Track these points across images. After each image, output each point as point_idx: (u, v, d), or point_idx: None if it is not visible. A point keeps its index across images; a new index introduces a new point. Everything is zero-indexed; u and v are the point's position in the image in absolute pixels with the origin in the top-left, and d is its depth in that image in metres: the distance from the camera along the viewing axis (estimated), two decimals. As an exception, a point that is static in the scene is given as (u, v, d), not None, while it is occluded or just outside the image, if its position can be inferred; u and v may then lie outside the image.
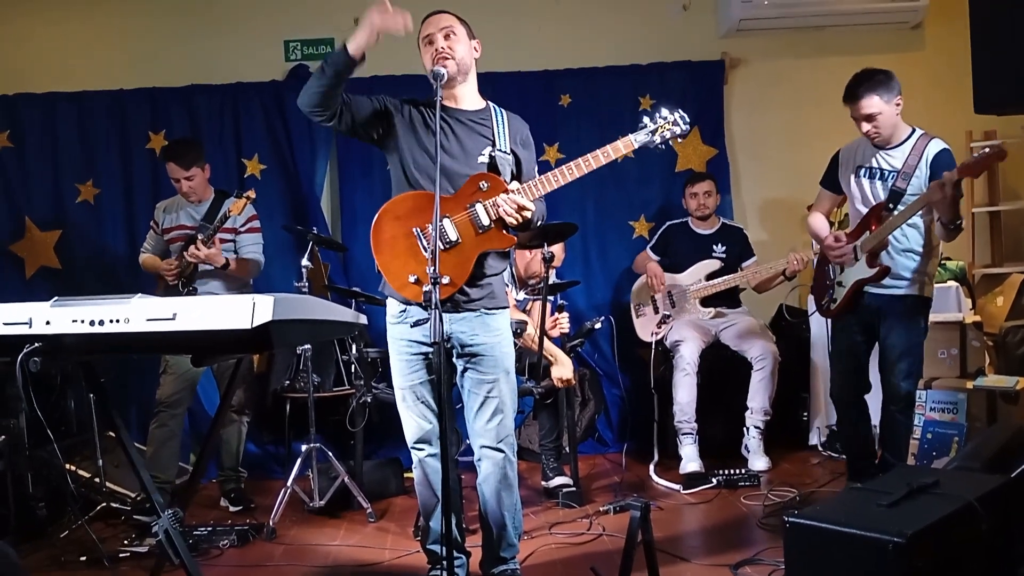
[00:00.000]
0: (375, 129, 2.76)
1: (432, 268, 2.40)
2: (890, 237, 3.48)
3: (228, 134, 5.11)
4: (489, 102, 2.85)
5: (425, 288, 2.42)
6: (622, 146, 2.73)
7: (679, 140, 2.80)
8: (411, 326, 2.69)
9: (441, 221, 2.62)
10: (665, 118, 2.76)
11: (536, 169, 2.87)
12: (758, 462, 4.35)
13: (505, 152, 2.75)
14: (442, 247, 2.62)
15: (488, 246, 2.71)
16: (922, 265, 3.49)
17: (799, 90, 5.27)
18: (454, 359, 2.77)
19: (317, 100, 2.60)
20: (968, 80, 3.11)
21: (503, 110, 2.84)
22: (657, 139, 2.76)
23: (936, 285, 3.71)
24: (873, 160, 3.55)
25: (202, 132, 5.04)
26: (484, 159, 2.73)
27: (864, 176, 3.57)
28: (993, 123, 4.92)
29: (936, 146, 3.43)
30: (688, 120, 2.79)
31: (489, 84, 5.01)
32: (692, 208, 4.82)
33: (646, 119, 2.77)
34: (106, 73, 5.08)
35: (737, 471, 4.19)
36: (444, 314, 2.64)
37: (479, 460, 2.81)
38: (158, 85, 5.06)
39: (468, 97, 2.80)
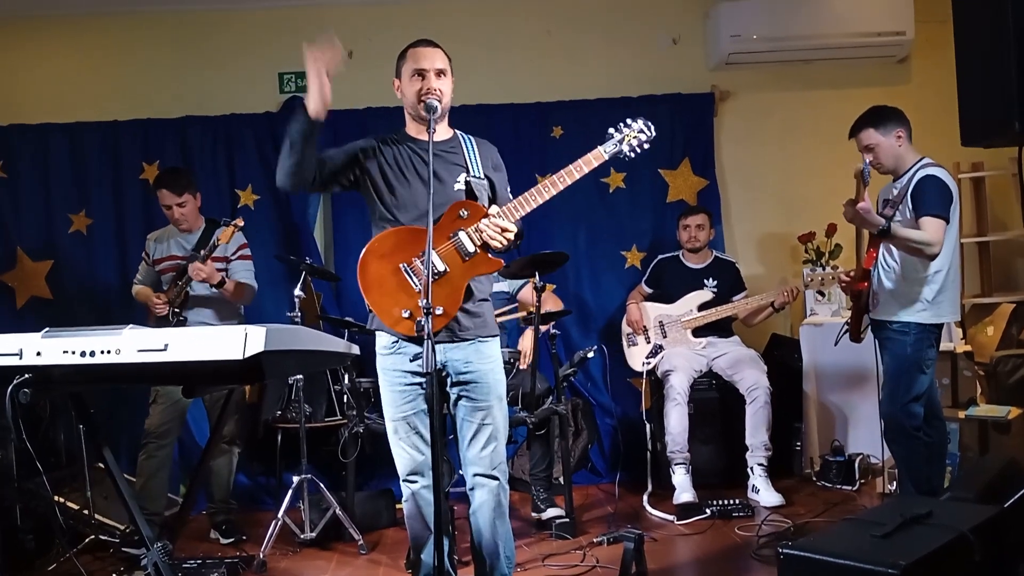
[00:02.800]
0: (348, 175, 2.77)
1: (425, 298, 2.41)
2: (880, 262, 3.60)
3: (222, 165, 5.13)
4: (456, 131, 2.87)
5: (405, 314, 2.44)
6: (593, 159, 2.76)
7: (646, 146, 2.85)
8: (410, 360, 2.69)
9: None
10: (630, 127, 2.83)
11: (509, 190, 2.90)
12: (770, 498, 4.27)
13: (479, 177, 2.78)
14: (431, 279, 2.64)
15: (476, 272, 2.73)
16: (905, 290, 3.52)
17: (788, 122, 5.34)
18: (448, 388, 2.77)
19: (294, 173, 2.65)
20: (954, 113, 3.15)
21: (470, 136, 2.87)
22: (625, 148, 2.82)
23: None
24: (888, 192, 3.68)
25: (196, 163, 5.06)
26: (460, 186, 2.76)
27: (881, 208, 3.65)
28: (980, 154, 4.98)
29: (920, 174, 3.51)
30: (652, 127, 2.85)
31: (483, 116, 5.10)
32: (683, 240, 4.85)
33: (612, 130, 2.83)
34: (100, 104, 5.11)
35: (731, 501, 4.17)
36: (439, 344, 2.66)
37: (472, 489, 2.79)
38: (152, 116, 5.09)
39: (440, 131, 2.82)
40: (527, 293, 4.65)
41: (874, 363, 3.75)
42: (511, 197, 2.80)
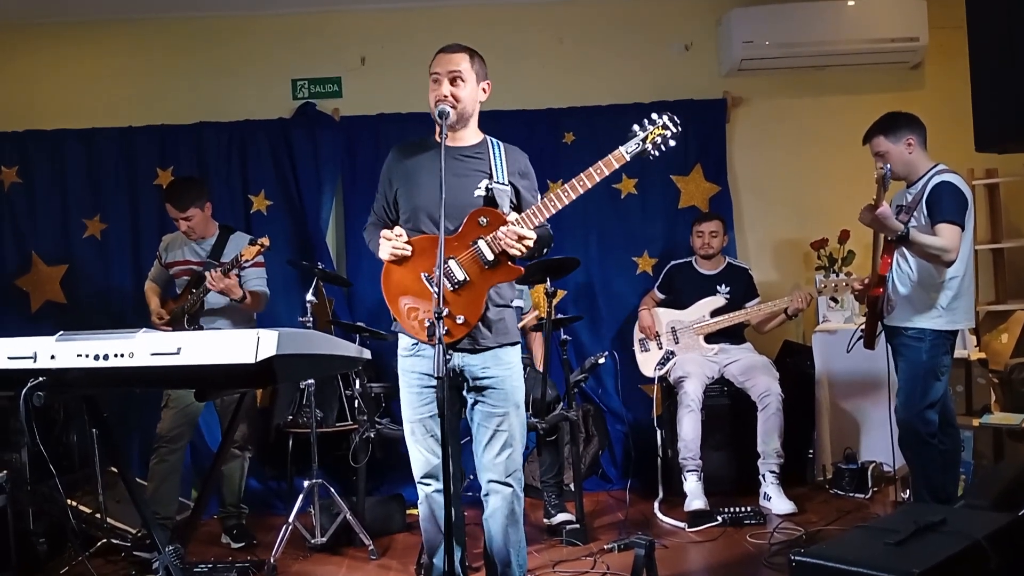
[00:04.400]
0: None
1: (437, 304, 2.42)
2: (894, 269, 3.59)
3: (235, 171, 5.16)
4: (487, 136, 2.86)
5: (427, 323, 2.45)
6: (614, 160, 2.64)
7: (672, 143, 2.67)
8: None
9: (447, 263, 2.64)
10: (655, 122, 2.68)
11: (538, 197, 2.86)
12: (782, 506, 4.25)
13: (503, 184, 2.74)
14: (451, 288, 2.65)
15: (496, 280, 2.71)
16: (921, 296, 3.51)
17: (801, 128, 5.32)
18: (464, 393, 2.77)
19: None
20: (968, 118, 3.14)
21: (501, 143, 2.85)
22: (649, 146, 2.67)
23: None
24: (902, 198, 3.66)
25: (209, 168, 5.08)
26: (481, 192, 2.73)
27: (896, 215, 3.63)
28: (994, 160, 4.95)
29: (935, 180, 3.50)
30: (678, 122, 2.68)
31: (494, 122, 5.03)
32: (697, 247, 4.84)
33: (635, 127, 2.68)
34: (115, 110, 5.15)
35: (743, 509, 4.15)
36: (459, 352, 2.69)
37: (486, 495, 2.80)
38: (166, 122, 5.12)
39: (466, 136, 2.82)
40: (528, 319, 4.67)
41: (887, 370, 3.74)
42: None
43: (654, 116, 2.69)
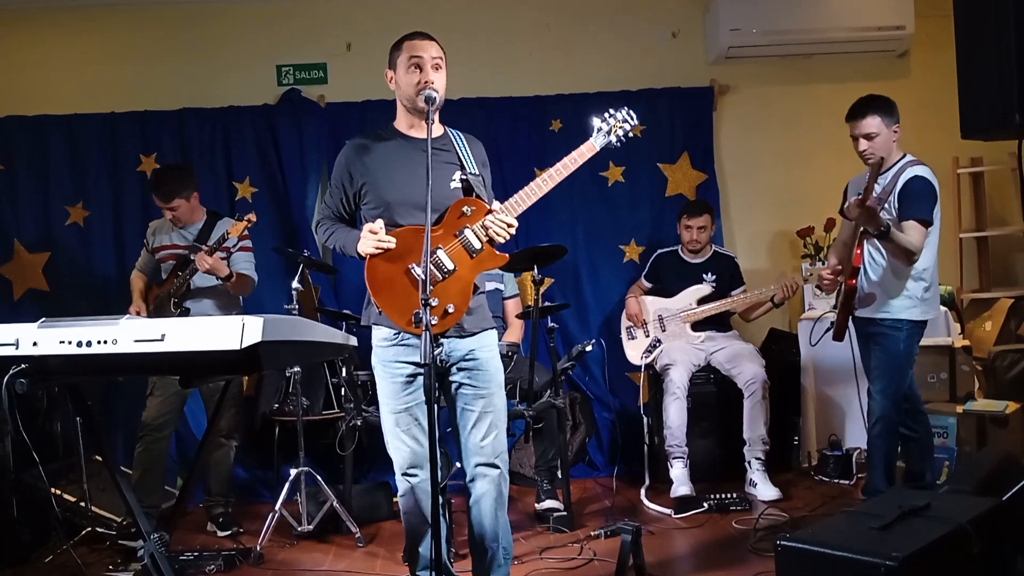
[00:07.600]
0: (357, 205, 2.86)
1: (423, 291, 2.41)
2: (866, 260, 3.61)
3: (219, 158, 5.11)
4: (446, 127, 2.86)
5: (416, 312, 2.44)
6: (586, 151, 2.82)
7: (631, 135, 2.91)
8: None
9: (435, 254, 2.65)
10: (614, 116, 2.88)
11: (491, 185, 2.91)
12: (768, 492, 4.27)
13: (476, 174, 2.79)
14: (440, 277, 2.66)
15: (483, 268, 2.75)
16: (898, 287, 3.54)
17: (787, 116, 5.33)
18: (449, 378, 2.77)
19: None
20: (954, 107, 3.14)
21: (460, 133, 2.87)
22: (613, 139, 2.87)
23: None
24: (861, 185, 3.63)
25: (193, 155, 5.04)
26: (456, 184, 2.76)
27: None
28: (979, 149, 4.98)
29: (909, 173, 3.51)
30: (634, 115, 2.90)
31: (481, 109, 5.09)
32: (685, 240, 4.82)
33: (596, 120, 2.87)
34: (98, 96, 5.09)
35: (729, 495, 4.17)
36: (447, 340, 2.71)
37: (472, 480, 2.79)
38: (150, 108, 5.07)
39: (433, 127, 2.81)
40: (512, 305, 4.67)
41: (870, 357, 3.74)
42: (493, 194, 2.82)
43: (611, 111, 2.89)
